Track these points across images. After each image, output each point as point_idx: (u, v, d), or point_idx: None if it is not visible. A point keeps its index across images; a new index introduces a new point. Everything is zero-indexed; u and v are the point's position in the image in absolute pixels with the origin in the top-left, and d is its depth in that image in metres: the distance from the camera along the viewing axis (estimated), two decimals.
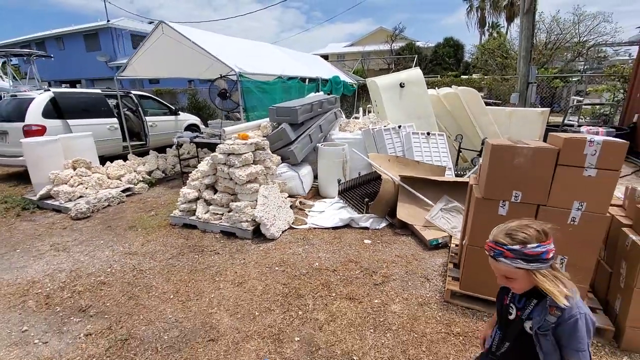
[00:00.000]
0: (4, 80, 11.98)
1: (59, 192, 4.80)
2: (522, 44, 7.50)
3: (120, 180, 5.56)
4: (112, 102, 7.40)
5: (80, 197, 4.90)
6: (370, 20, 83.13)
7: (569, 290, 1.06)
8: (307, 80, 7.56)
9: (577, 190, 2.03)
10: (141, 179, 5.87)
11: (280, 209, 3.95)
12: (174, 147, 7.27)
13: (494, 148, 2.15)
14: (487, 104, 7.51)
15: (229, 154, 3.79)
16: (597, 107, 9.65)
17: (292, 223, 4.05)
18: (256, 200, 3.78)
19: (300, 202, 4.61)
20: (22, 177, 6.73)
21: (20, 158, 5.85)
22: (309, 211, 4.43)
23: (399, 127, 5.16)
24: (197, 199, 4.18)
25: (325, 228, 3.97)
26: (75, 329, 2.46)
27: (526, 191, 2.15)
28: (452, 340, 2.25)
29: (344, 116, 6.59)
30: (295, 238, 3.78)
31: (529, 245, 1.07)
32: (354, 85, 10.67)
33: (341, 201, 4.43)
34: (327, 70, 9.84)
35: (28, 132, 5.83)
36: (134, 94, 7.85)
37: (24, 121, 5.89)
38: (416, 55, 17.80)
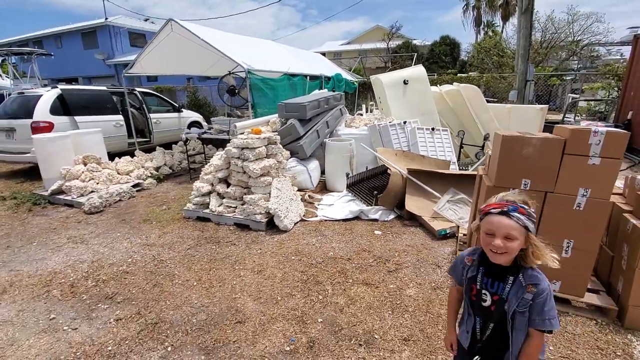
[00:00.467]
0: (4, 79, 11.94)
1: (71, 187, 4.87)
2: (520, 43, 7.68)
3: (130, 176, 5.64)
4: (116, 99, 7.47)
5: (92, 192, 4.98)
6: (366, 19, 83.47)
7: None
8: (310, 77, 7.67)
9: (582, 178, 2.18)
10: (149, 175, 5.96)
11: (292, 202, 4.08)
12: (179, 143, 7.38)
13: (504, 139, 2.30)
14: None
15: (242, 148, 3.91)
16: (593, 104, 9.89)
17: (304, 215, 4.18)
18: (269, 193, 3.90)
19: (309, 196, 4.73)
20: (28, 173, 6.78)
21: (28, 155, 5.91)
22: (318, 204, 4.56)
23: (404, 122, 5.30)
24: (210, 192, 4.29)
25: (336, 220, 4.11)
26: (104, 314, 2.56)
27: (535, 179, 2.30)
28: None
29: (347, 113, 6.72)
30: (308, 230, 3.91)
31: (530, 208, 1.17)
32: (355, 83, 10.81)
33: (349, 194, 4.56)
34: (328, 68, 9.97)
35: (36, 128, 5.88)
36: (138, 91, 7.91)
37: (31, 118, 5.94)
38: (415, 54, 17.95)
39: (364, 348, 2.17)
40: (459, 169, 5.28)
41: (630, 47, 7.94)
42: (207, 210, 4.17)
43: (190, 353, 2.16)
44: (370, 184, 4.63)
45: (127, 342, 2.28)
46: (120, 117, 7.15)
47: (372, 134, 5.30)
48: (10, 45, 22.18)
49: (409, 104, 6.07)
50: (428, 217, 3.86)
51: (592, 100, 10.22)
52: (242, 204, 4.02)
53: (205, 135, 5.91)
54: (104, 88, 7.36)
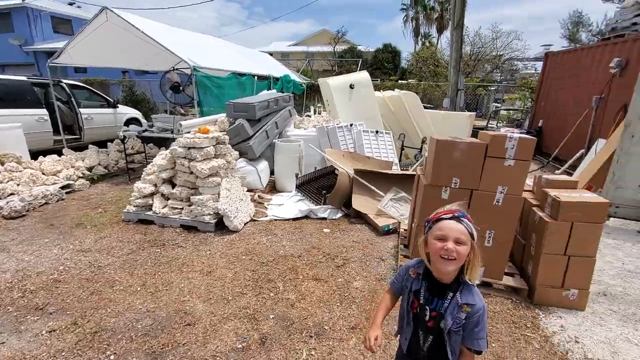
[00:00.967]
0: None
1: None
2: (453, 55, 8.47)
3: (57, 177, 5.13)
4: (39, 91, 6.71)
5: (11, 194, 4.44)
6: (313, 21, 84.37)
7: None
8: (259, 77, 7.64)
9: (500, 177, 2.53)
10: (81, 175, 5.47)
11: (242, 202, 4.06)
12: (115, 141, 6.86)
13: (438, 143, 2.58)
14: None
15: (189, 148, 3.80)
16: (512, 113, 11.22)
17: (254, 216, 4.18)
18: (218, 194, 3.85)
19: (259, 196, 4.74)
20: None
21: None
22: (268, 204, 4.59)
23: (351, 125, 5.56)
24: (153, 194, 4.09)
25: (286, 219, 4.18)
26: (35, 327, 2.35)
27: (463, 178, 2.62)
28: None
29: (296, 114, 6.83)
30: (258, 229, 3.93)
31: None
32: (303, 85, 10.96)
33: (299, 194, 4.67)
34: (277, 69, 9.98)
35: None
36: (65, 83, 7.19)
37: None
38: (360, 59, 18.67)
39: (315, 339, 2.28)
40: (401, 170, 5.68)
41: (542, 62, 9.18)
42: (150, 212, 3.98)
43: (136, 359, 2.09)
44: (319, 184, 4.78)
45: (63, 354, 2.12)
46: (44, 111, 6.44)
47: (321, 136, 5.47)
48: None
49: (355, 107, 6.36)
50: (373, 214, 4.11)
51: (511, 109, 11.60)
52: (189, 205, 3.91)
53: (146, 134, 5.59)
54: (24, 78, 6.58)
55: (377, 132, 5.52)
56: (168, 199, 4.03)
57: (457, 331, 1.20)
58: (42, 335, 2.28)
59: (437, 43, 29.30)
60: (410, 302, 1.30)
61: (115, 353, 2.14)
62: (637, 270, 3.37)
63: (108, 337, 2.27)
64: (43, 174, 5.03)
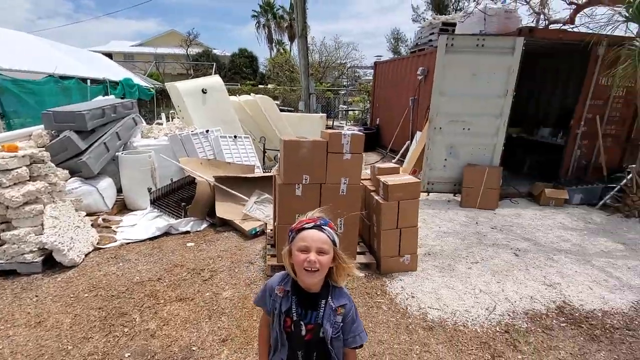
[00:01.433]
0: None
1: None
2: (301, 62, 9.15)
3: None
4: None
5: None
6: (160, 21, 76.90)
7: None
8: (92, 81, 6.51)
9: (342, 170, 2.89)
10: None
11: (78, 230, 3.40)
12: None
13: (285, 143, 2.76)
14: (282, 110, 8.72)
15: None
16: (357, 113, 12.93)
17: (98, 243, 3.57)
18: (42, 224, 3.12)
19: (104, 219, 4.07)
20: None
21: None
22: (117, 227, 3.99)
23: (207, 131, 5.34)
24: None
25: (141, 240, 3.72)
26: None
27: (312, 174, 2.87)
28: None
29: (144, 122, 6.13)
30: (105, 258, 3.37)
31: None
32: (152, 90, 9.91)
33: (155, 210, 4.22)
34: (115, 71, 8.71)
35: None
36: None
37: None
38: (215, 63, 18.09)
39: None
40: (264, 172, 5.80)
41: (373, 70, 10.86)
42: None
43: None
44: (178, 196, 4.43)
45: None
46: None
47: (174, 144, 5.07)
48: None
49: (210, 112, 6.15)
50: (239, 219, 4.08)
51: (355, 109, 13.37)
52: (1, 245, 3.04)
53: None
54: None
55: (235, 136, 5.48)
56: None
57: (337, 337, 1.20)
58: None
59: (290, 50, 31.06)
60: (283, 323, 1.22)
61: None
62: (449, 230, 4.39)
63: None
64: None
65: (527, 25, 5.84)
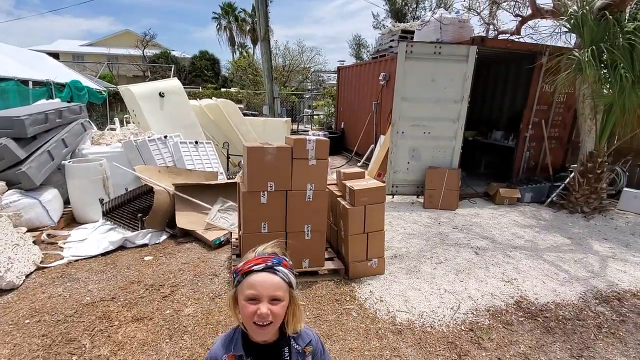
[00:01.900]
0: None
1: None
2: (265, 65, 9.03)
3: None
4: None
5: None
6: (112, 20, 72.72)
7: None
8: (34, 83, 5.96)
9: (307, 176, 2.85)
10: None
11: (17, 248, 3.06)
12: None
13: (249, 149, 2.67)
14: (246, 114, 8.54)
15: None
16: (322, 117, 12.99)
17: (41, 262, 3.23)
18: None
19: (48, 235, 3.71)
20: None
21: None
22: (64, 243, 3.65)
23: (165, 137, 5.08)
24: None
25: (92, 256, 3.43)
26: None
27: (277, 181, 2.80)
28: None
29: (95, 128, 5.72)
30: (49, 278, 3.06)
31: (288, 259, 1.05)
32: (104, 92, 9.29)
33: (108, 222, 3.92)
34: (61, 73, 8.06)
35: None
36: None
37: None
38: (173, 65, 17.40)
39: None
40: (229, 178, 5.61)
41: (337, 75, 10.98)
42: None
43: None
44: (134, 207, 4.15)
45: None
46: None
47: (129, 151, 4.76)
48: None
49: (169, 116, 5.86)
50: (201, 229, 3.89)
51: (320, 114, 13.44)
52: None
53: None
54: None
55: (196, 142, 5.26)
56: None
57: None
58: None
59: (254, 54, 30.69)
60: None
61: None
62: (413, 232, 4.49)
63: None
64: None
65: (479, 34, 6.18)
